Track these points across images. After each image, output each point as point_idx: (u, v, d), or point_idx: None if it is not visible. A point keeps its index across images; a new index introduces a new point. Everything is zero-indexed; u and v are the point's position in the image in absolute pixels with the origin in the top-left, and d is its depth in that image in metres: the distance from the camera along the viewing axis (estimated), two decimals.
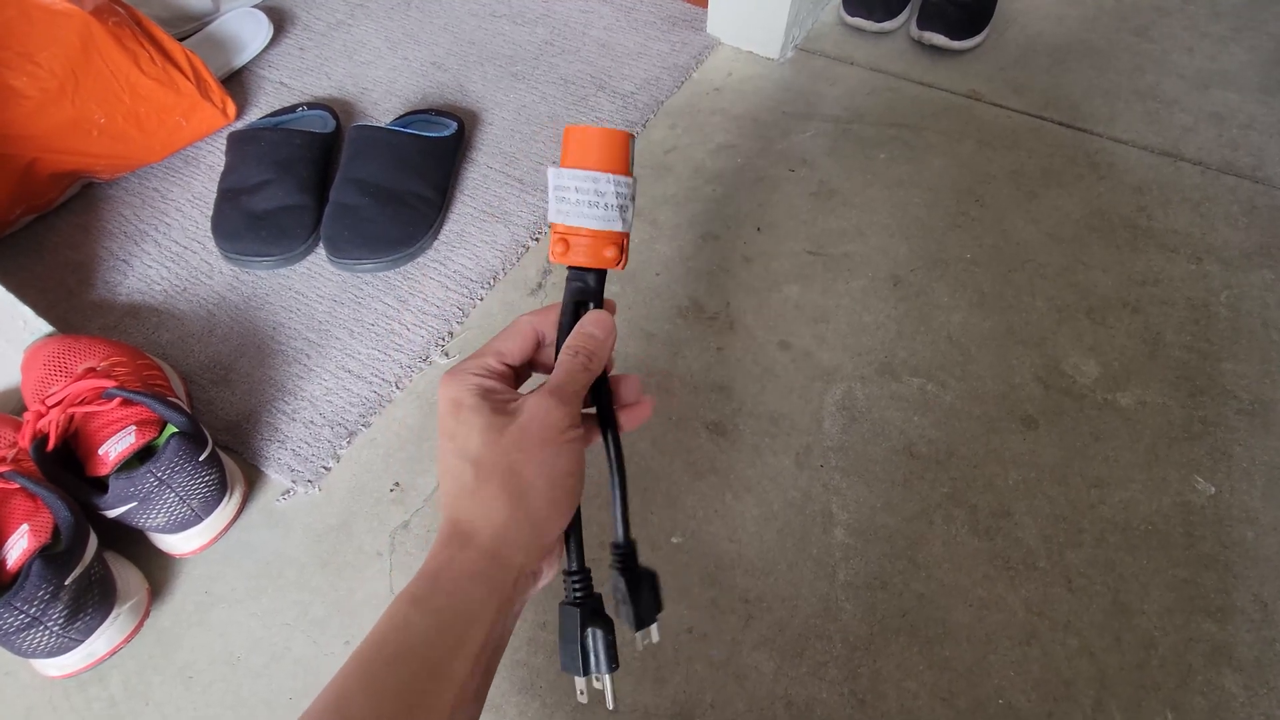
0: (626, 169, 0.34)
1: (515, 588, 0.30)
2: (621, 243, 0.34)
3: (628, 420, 0.36)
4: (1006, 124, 0.86)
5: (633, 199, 0.34)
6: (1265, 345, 0.67)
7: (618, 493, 0.34)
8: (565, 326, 0.35)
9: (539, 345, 0.36)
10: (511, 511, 0.30)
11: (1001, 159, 0.83)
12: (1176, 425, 0.63)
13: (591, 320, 0.34)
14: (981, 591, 0.55)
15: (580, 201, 0.33)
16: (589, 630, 0.32)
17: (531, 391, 0.32)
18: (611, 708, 0.32)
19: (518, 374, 0.35)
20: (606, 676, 0.32)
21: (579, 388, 0.32)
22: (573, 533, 0.33)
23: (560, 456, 0.31)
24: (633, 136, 0.35)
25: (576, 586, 0.33)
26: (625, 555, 0.34)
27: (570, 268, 0.35)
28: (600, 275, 0.35)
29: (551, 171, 0.34)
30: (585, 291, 0.35)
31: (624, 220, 0.34)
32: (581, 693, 0.32)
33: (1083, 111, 0.87)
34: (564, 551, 0.34)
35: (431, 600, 0.29)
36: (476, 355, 0.34)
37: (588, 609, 0.33)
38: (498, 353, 0.34)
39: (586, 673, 0.32)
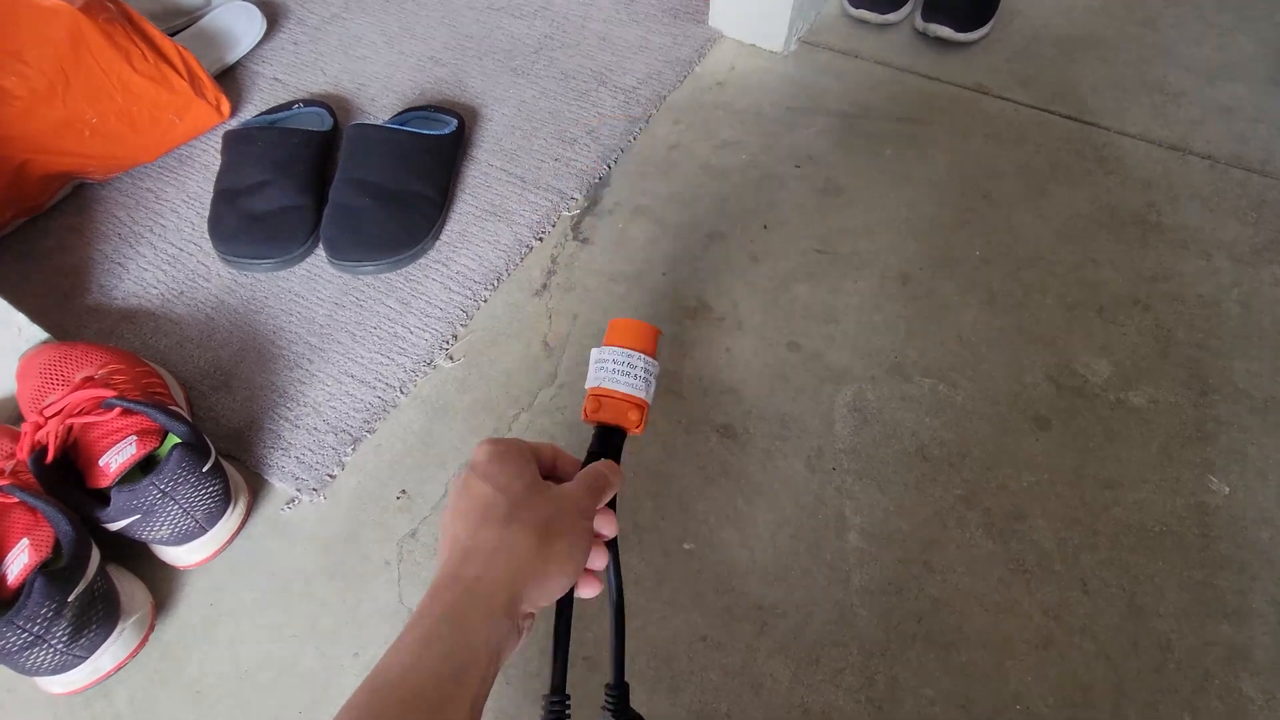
0: (653, 353, 0.44)
1: (508, 638, 0.31)
2: (643, 409, 0.42)
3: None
4: (1014, 118, 0.85)
5: (655, 379, 0.43)
6: (1277, 342, 0.67)
7: (614, 626, 0.38)
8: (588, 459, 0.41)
9: (555, 472, 0.39)
10: (537, 547, 0.32)
11: (1009, 154, 0.82)
12: (1189, 425, 0.62)
13: (607, 465, 0.39)
14: (997, 596, 0.55)
15: (615, 370, 0.42)
16: None
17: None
18: None
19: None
20: None
21: (604, 496, 0.37)
22: (560, 649, 0.36)
23: (582, 532, 0.34)
24: (661, 333, 0.45)
25: (555, 708, 0.35)
26: (618, 698, 0.37)
27: (599, 425, 0.42)
28: (621, 434, 0.42)
29: (594, 350, 0.44)
30: (608, 444, 0.41)
31: (647, 392, 0.42)
32: None
33: (1090, 105, 0.86)
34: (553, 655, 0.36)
35: (442, 642, 0.29)
36: (524, 444, 0.38)
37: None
38: (537, 450, 0.38)
39: None
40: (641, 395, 0.42)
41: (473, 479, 0.34)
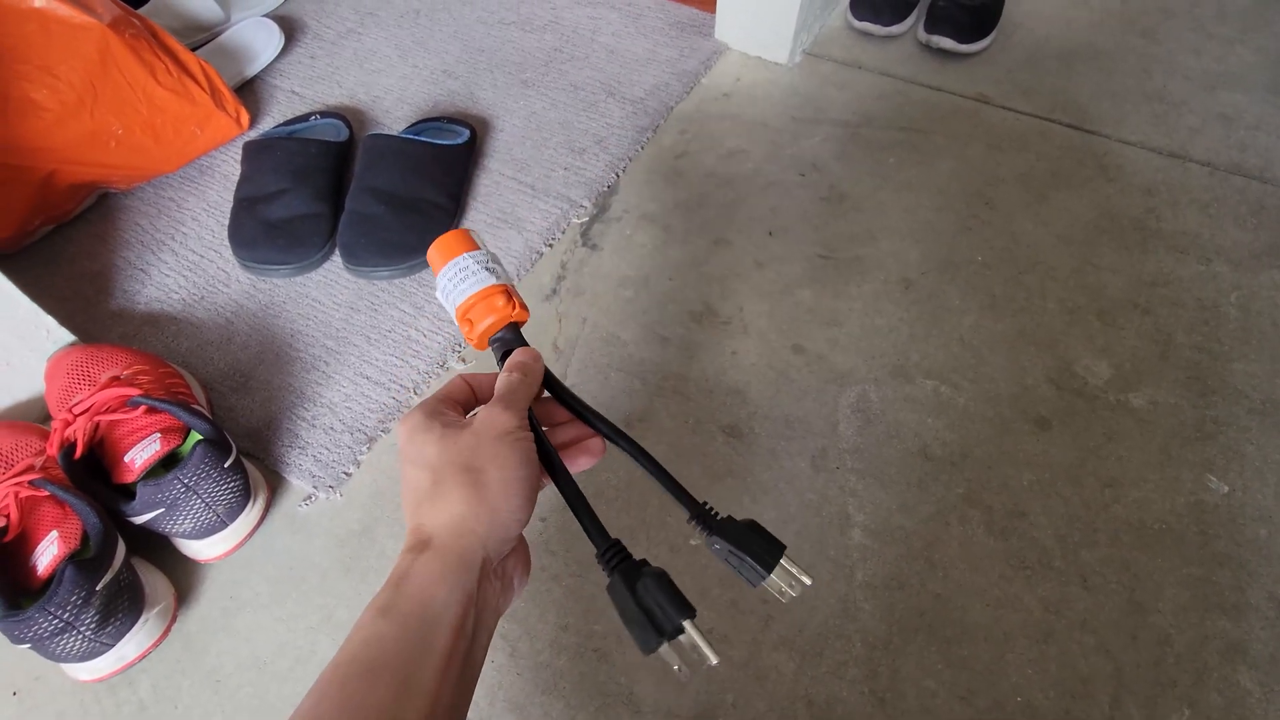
0: (472, 246, 0.39)
1: (480, 586, 0.30)
2: (507, 291, 0.38)
3: (583, 458, 0.38)
4: (1015, 127, 0.87)
5: (494, 263, 0.39)
6: (1275, 345, 0.68)
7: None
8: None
9: (477, 400, 0.38)
10: (469, 503, 0.31)
11: (1010, 162, 0.83)
12: (1188, 425, 0.63)
13: (519, 353, 0.38)
14: (998, 591, 0.56)
15: (455, 281, 0.38)
16: (640, 584, 0.31)
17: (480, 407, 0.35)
18: (713, 661, 0.29)
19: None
20: (687, 624, 0.29)
21: (520, 397, 0.35)
22: (586, 517, 0.34)
23: (512, 451, 0.32)
24: (468, 230, 0.40)
25: (611, 559, 0.33)
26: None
27: (490, 340, 0.39)
28: (513, 329, 0.39)
29: (438, 287, 0.40)
30: (509, 345, 0.39)
31: (495, 275, 0.39)
32: (678, 668, 0.29)
33: (1091, 114, 0.88)
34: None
35: (397, 607, 0.29)
36: (429, 399, 0.36)
37: (626, 570, 0.32)
38: (447, 396, 0.37)
39: (663, 635, 0.29)
40: (493, 282, 0.38)
41: (403, 466, 0.34)
